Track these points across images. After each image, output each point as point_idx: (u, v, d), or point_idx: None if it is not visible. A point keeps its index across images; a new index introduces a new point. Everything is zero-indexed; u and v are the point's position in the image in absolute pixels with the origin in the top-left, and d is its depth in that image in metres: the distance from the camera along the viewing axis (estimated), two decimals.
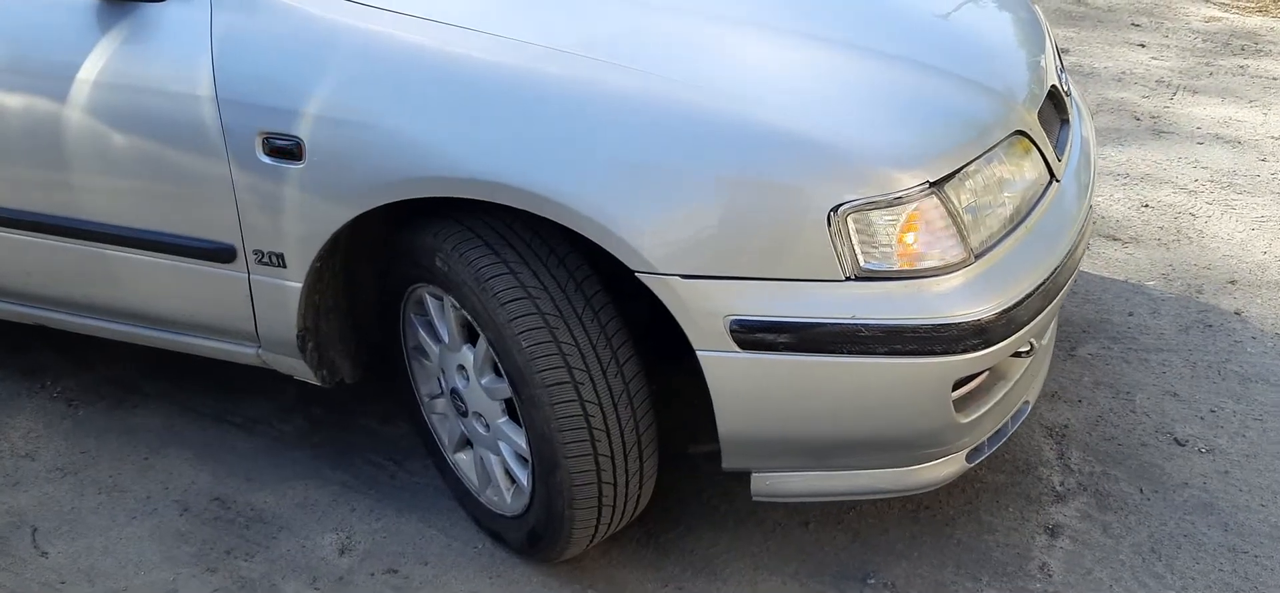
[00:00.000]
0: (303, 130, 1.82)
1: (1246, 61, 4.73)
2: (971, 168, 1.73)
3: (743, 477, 1.86)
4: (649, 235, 1.66)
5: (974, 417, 1.79)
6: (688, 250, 1.66)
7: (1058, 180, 1.96)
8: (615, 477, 1.83)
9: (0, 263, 2.25)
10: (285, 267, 1.96)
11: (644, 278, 1.68)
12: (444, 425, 2.18)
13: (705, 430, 1.81)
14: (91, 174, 2.03)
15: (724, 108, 1.67)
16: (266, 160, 1.86)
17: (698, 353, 1.70)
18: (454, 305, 1.90)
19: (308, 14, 1.84)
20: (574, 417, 1.77)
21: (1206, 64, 4.70)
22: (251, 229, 1.94)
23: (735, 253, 1.66)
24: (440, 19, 1.80)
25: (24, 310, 2.36)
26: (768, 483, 1.86)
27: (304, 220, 1.89)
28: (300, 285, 1.96)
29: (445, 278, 1.84)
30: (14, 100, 2.03)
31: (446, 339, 1.98)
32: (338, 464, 2.36)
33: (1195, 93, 4.38)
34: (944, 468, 1.86)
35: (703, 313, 1.67)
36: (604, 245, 1.68)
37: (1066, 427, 2.41)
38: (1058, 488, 2.23)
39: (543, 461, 1.83)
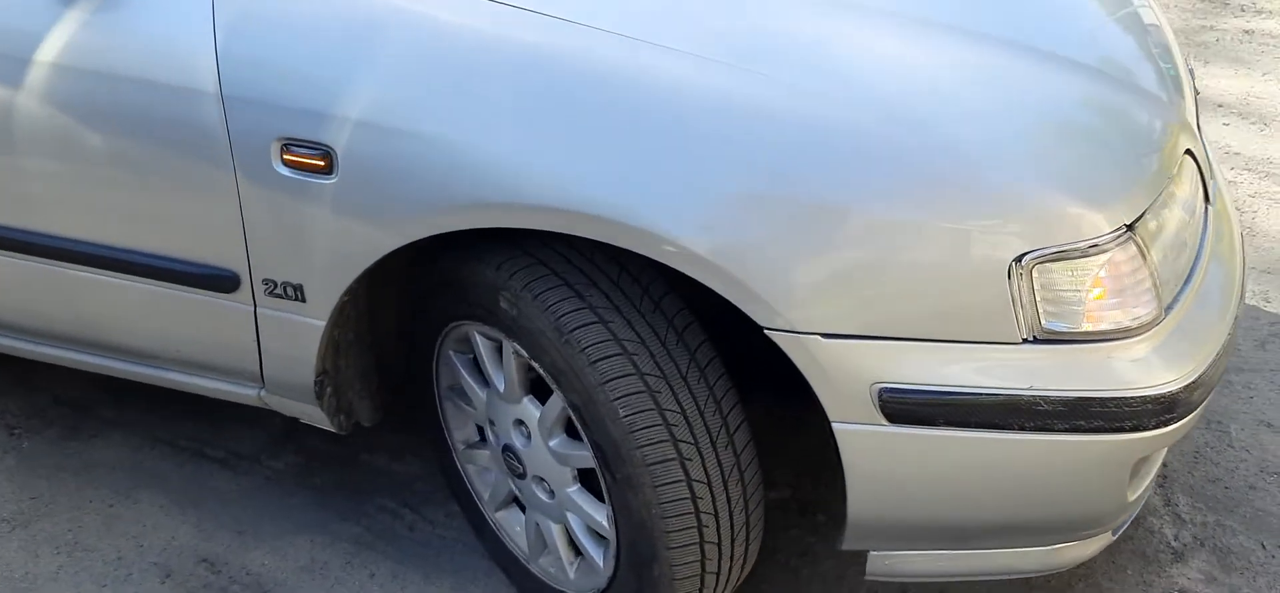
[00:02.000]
0: (336, 138, 1.44)
1: (1251, 23, 4.52)
2: (1160, 203, 1.45)
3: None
4: (785, 285, 1.34)
5: (1139, 492, 1.53)
6: (831, 305, 1.35)
7: (1211, 203, 1.69)
8: (720, 566, 1.53)
9: None
10: (304, 301, 1.59)
11: (776, 336, 1.36)
12: (483, 479, 1.84)
13: (780, 473, 1.51)
14: (53, 181, 1.62)
15: (878, 129, 1.35)
16: (285, 173, 1.49)
17: (834, 425, 1.40)
18: (518, 353, 1.56)
19: None
20: (680, 501, 1.45)
21: (1209, 26, 4.48)
22: (261, 255, 1.57)
23: (889, 309, 1.35)
24: (524, 5, 1.43)
25: None
26: (887, 563, 1.57)
27: (332, 248, 1.52)
28: (323, 324, 1.60)
29: (513, 323, 1.50)
30: None
31: (501, 389, 1.64)
32: (346, 513, 2.01)
33: (1206, 63, 4.16)
34: (1092, 545, 1.59)
35: (846, 379, 1.37)
36: (729, 297, 1.36)
37: (1165, 466, 2.18)
38: (1173, 543, 1.99)
39: (636, 550, 1.51)
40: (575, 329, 1.44)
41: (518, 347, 1.54)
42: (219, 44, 1.47)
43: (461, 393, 1.78)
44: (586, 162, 1.35)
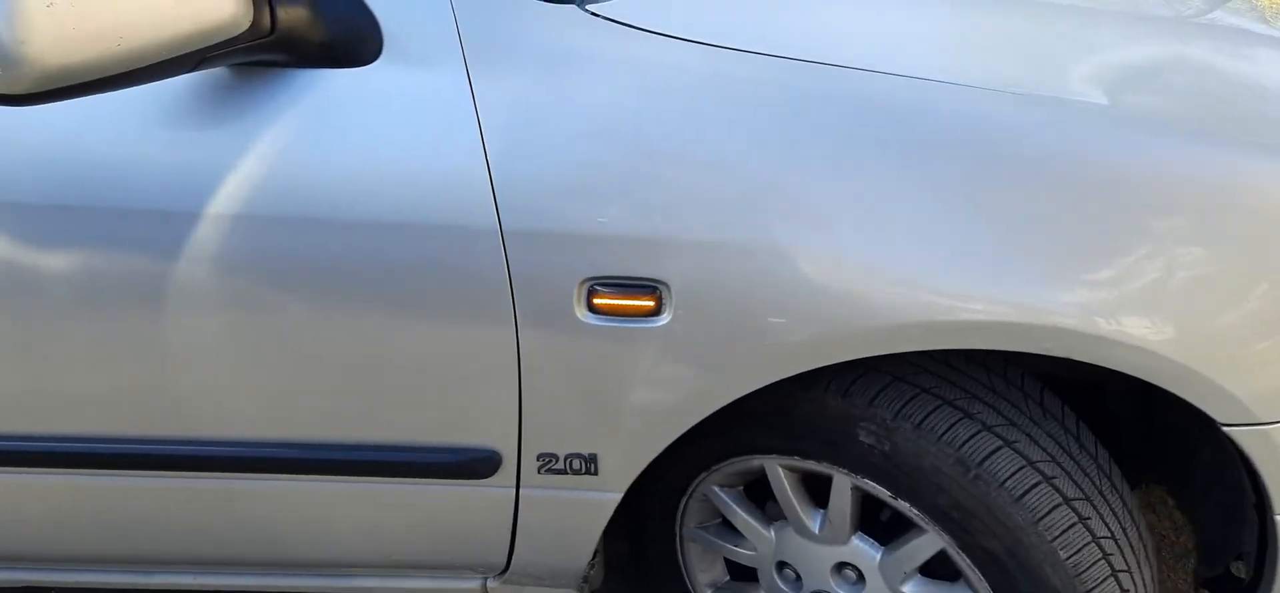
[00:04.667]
0: (671, 268, 1.09)
1: None
2: None
3: None
4: (1250, 374, 1.13)
5: None
6: None
7: None
8: None
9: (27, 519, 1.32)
10: (595, 473, 1.23)
11: (1236, 433, 1.15)
12: None
13: None
14: (214, 373, 1.17)
15: None
16: (591, 321, 1.12)
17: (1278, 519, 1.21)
18: (859, 487, 1.27)
19: (684, 68, 1.11)
20: None
21: None
22: (540, 426, 1.20)
23: None
24: (927, 75, 1.12)
25: (45, 577, 1.42)
26: None
27: (650, 406, 1.17)
28: (617, 497, 1.25)
29: (882, 460, 1.21)
30: (60, 259, 1.12)
31: (818, 529, 1.34)
32: None
33: None
34: None
35: None
36: (1184, 395, 1.13)
37: None
38: None
39: None
40: (985, 460, 1.18)
41: (870, 484, 1.24)
42: (491, 158, 1.09)
43: (721, 531, 1.47)
44: (1062, 264, 1.07)
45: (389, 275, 1.12)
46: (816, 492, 1.36)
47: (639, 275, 1.11)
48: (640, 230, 1.09)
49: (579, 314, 1.13)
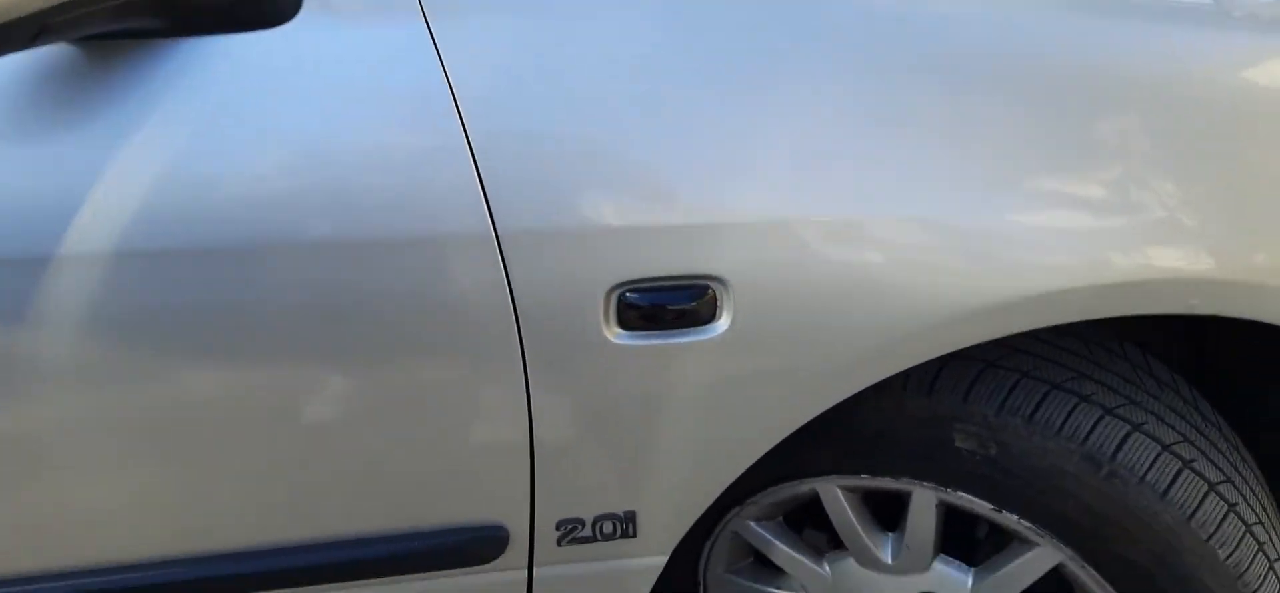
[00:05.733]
0: (723, 260, 0.82)
1: None
2: None
3: None
4: None
5: None
6: None
7: None
8: None
9: None
10: (634, 535, 0.94)
11: None
12: None
13: None
14: (126, 478, 0.84)
15: None
16: (622, 340, 0.84)
17: None
18: (948, 502, 1.02)
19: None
20: None
21: None
22: (559, 486, 0.90)
23: None
24: None
25: None
26: None
27: (705, 440, 0.90)
28: (663, 560, 0.97)
29: (986, 466, 0.97)
30: None
31: (888, 558, 1.09)
32: None
33: None
34: None
35: None
36: None
37: None
38: None
39: None
40: (1117, 451, 0.95)
41: (968, 498, 1.00)
42: (474, 139, 0.78)
43: (756, 572, 1.21)
44: (1194, 204, 0.85)
45: (337, 311, 0.81)
46: (881, 511, 1.11)
47: (685, 273, 0.83)
48: (683, 214, 0.81)
49: (608, 333, 0.84)
